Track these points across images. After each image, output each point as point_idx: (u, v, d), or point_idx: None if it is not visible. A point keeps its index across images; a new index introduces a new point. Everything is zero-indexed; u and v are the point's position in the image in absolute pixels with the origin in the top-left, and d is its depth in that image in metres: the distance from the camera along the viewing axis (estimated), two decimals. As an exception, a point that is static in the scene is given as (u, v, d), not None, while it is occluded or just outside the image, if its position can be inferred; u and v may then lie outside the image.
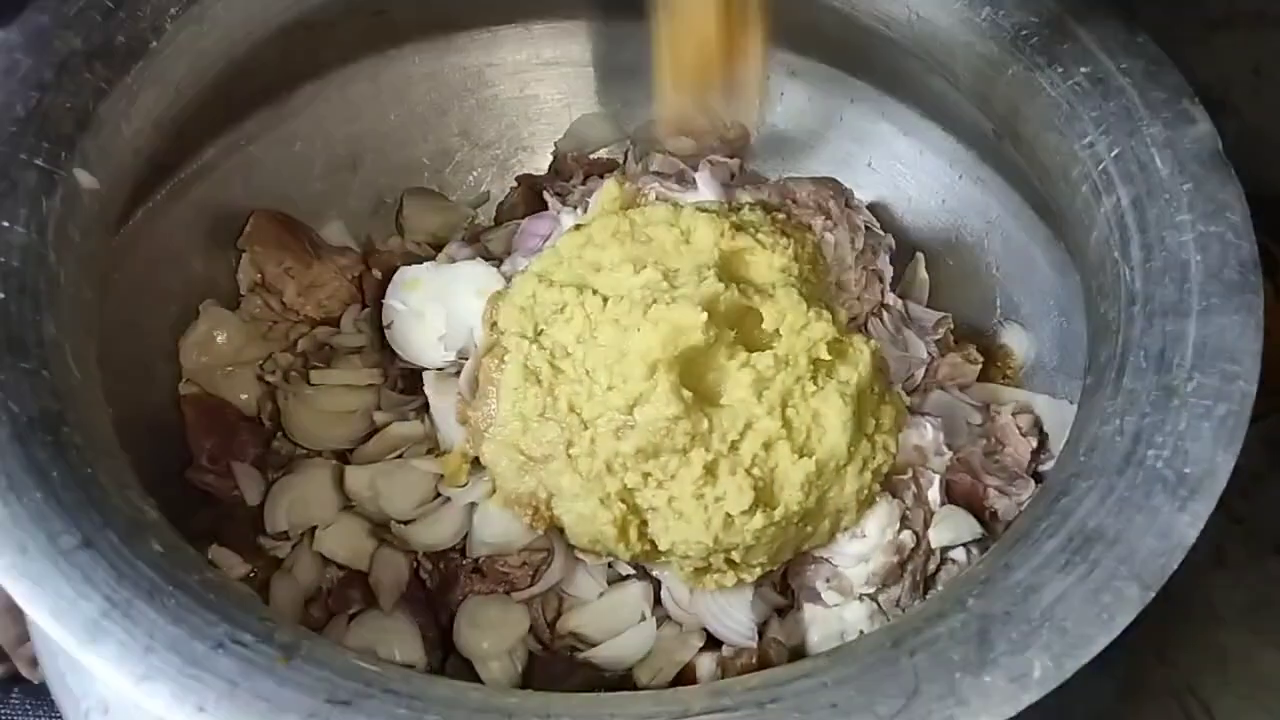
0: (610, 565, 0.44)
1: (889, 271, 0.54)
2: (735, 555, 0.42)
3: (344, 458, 0.47)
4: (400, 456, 0.46)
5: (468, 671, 0.42)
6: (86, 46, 0.39)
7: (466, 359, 0.46)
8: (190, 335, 0.50)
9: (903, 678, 0.28)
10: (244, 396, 0.50)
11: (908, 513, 0.45)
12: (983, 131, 0.50)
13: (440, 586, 0.44)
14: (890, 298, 0.54)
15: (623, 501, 0.41)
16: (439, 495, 0.45)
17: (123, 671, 0.26)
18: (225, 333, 0.50)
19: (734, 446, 0.41)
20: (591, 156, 0.59)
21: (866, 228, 0.54)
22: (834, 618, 0.43)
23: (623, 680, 0.43)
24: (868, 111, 0.57)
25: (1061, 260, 0.51)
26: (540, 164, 0.59)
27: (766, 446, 0.41)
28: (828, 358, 0.42)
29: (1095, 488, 0.32)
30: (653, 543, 0.42)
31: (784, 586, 0.45)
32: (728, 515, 0.41)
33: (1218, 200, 0.38)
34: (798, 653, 0.43)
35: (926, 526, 0.45)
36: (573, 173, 0.57)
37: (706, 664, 0.43)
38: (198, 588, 0.28)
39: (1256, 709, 0.54)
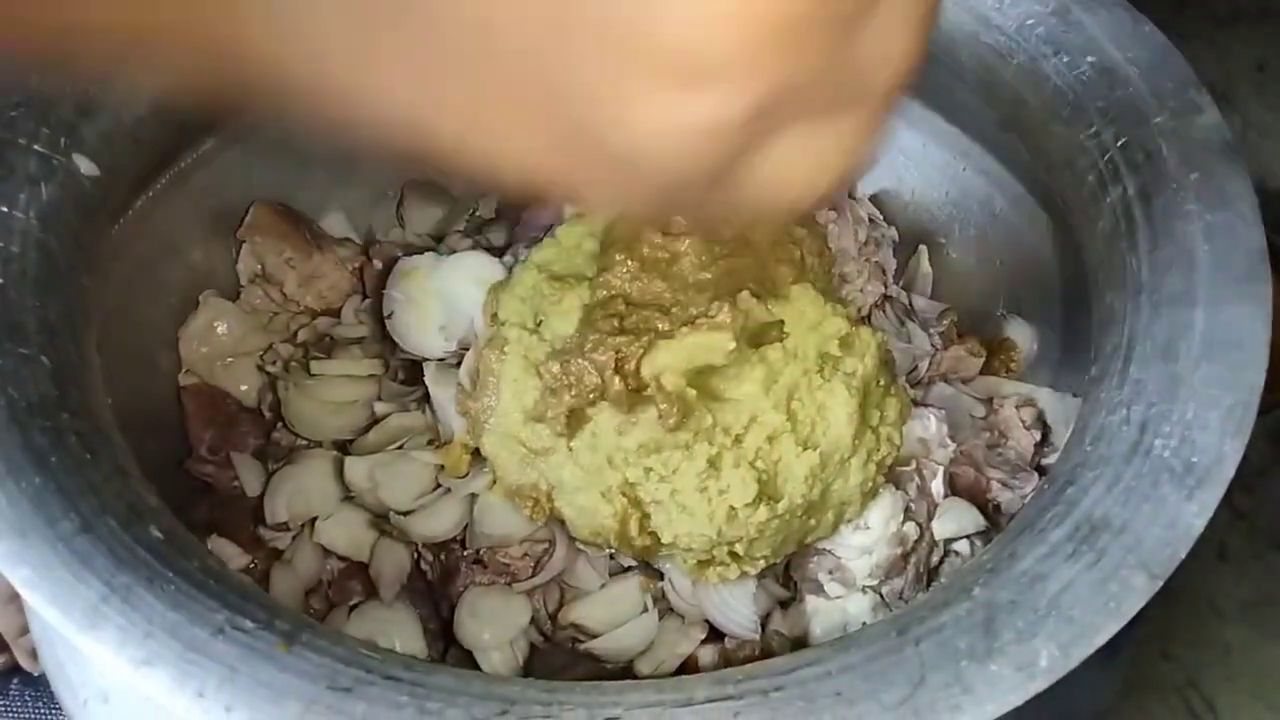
0: (612, 557, 0.44)
1: (892, 264, 0.54)
2: (739, 548, 0.42)
3: (345, 448, 0.47)
4: (401, 447, 0.46)
5: (469, 662, 0.42)
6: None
7: (467, 349, 0.46)
8: (190, 326, 0.49)
9: (908, 666, 0.28)
10: (244, 387, 0.50)
11: (911, 505, 0.44)
12: (987, 122, 0.50)
13: (441, 578, 0.44)
14: (893, 290, 0.53)
15: (624, 495, 0.41)
16: (439, 486, 0.45)
17: (122, 656, 0.26)
18: (225, 323, 0.50)
19: (738, 440, 0.41)
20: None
21: (869, 220, 0.54)
22: (837, 609, 0.43)
23: (624, 672, 0.42)
24: (870, 103, 0.56)
25: (1066, 253, 0.50)
26: (542, 156, 0.59)
27: (770, 439, 0.41)
28: (838, 353, 0.42)
29: (1102, 477, 0.32)
30: (654, 537, 0.41)
31: (787, 578, 0.45)
32: (731, 508, 0.41)
33: (1226, 190, 0.38)
34: (800, 644, 0.43)
35: (930, 518, 0.45)
36: (574, 164, 0.57)
37: (708, 656, 0.42)
38: (198, 574, 0.28)
39: (1259, 704, 0.54)
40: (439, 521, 0.43)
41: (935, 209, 0.56)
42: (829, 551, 0.44)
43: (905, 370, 0.50)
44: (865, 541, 0.43)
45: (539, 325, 0.43)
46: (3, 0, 0.20)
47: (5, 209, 0.34)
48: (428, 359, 0.48)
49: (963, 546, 0.45)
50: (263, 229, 0.51)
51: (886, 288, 0.53)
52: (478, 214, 0.58)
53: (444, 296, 0.47)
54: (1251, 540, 0.58)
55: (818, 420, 0.42)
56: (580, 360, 0.40)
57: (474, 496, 0.44)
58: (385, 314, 0.48)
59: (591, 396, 0.40)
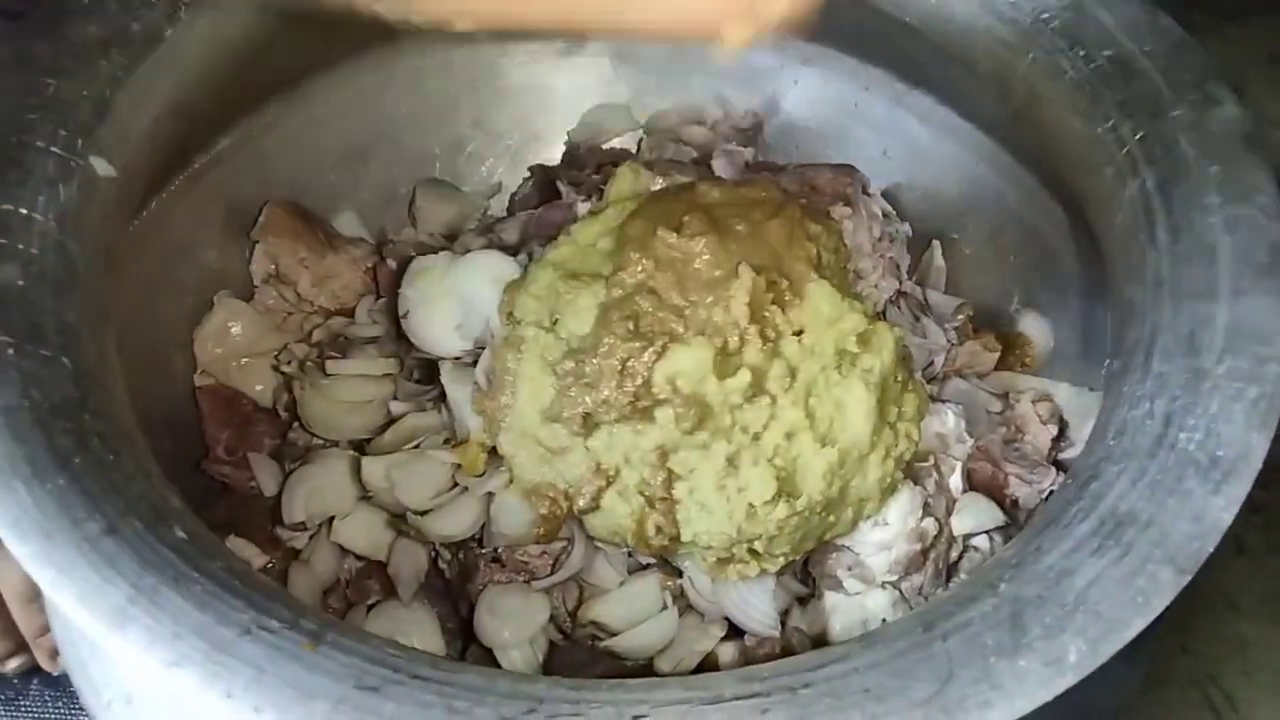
0: (630, 554, 0.44)
1: (906, 259, 0.54)
2: (758, 545, 0.42)
3: (361, 448, 0.47)
4: (417, 446, 0.46)
5: (488, 661, 0.42)
6: (103, 34, 0.38)
7: (483, 348, 0.46)
8: (205, 327, 0.49)
9: (936, 662, 0.28)
10: (259, 387, 0.50)
11: (930, 500, 0.44)
12: (1000, 117, 0.50)
13: (459, 576, 0.44)
14: (908, 285, 0.53)
15: (641, 494, 0.41)
16: (456, 485, 0.45)
17: (152, 657, 0.26)
18: (240, 324, 0.50)
19: (756, 437, 0.41)
20: (605, 146, 0.59)
21: (883, 215, 0.54)
22: (856, 606, 0.43)
23: (644, 669, 0.42)
24: (883, 98, 0.56)
25: (1081, 246, 0.50)
26: (553, 154, 0.59)
27: (789, 436, 0.41)
28: (855, 350, 0.42)
29: (1126, 471, 0.32)
30: (672, 536, 0.41)
31: (806, 575, 0.45)
32: (750, 505, 0.40)
33: (1246, 182, 0.38)
34: (820, 641, 0.43)
35: (949, 514, 0.45)
36: (586, 163, 0.57)
37: (728, 653, 0.42)
38: (222, 574, 0.28)
39: (1279, 697, 0.54)
40: (456, 521, 0.43)
41: (948, 204, 0.56)
42: (848, 548, 0.44)
43: (921, 365, 0.50)
44: (884, 537, 0.43)
45: (555, 324, 0.43)
46: None
47: (25, 211, 0.34)
48: (444, 358, 0.47)
49: (981, 542, 0.45)
50: (276, 229, 0.51)
51: (901, 283, 0.53)
52: (490, 212, 0.59)
53: (459, 295, 0.47)
54: (1268, 535, 0.58)
55: (836, 417, 0.41)
56: (594, 360, 0.40)
57: (491, 495, 0.44)
58: (400, 313, 0.48)
59: (601, 410, 0.40)
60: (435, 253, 0.50)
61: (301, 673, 0.26)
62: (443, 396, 0.47)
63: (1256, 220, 0.37)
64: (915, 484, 0.44)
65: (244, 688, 0.26)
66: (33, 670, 0.50)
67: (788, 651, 0.42)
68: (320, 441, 0.48)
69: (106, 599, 0.26)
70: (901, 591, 0.43)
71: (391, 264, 0.52)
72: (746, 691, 0.27)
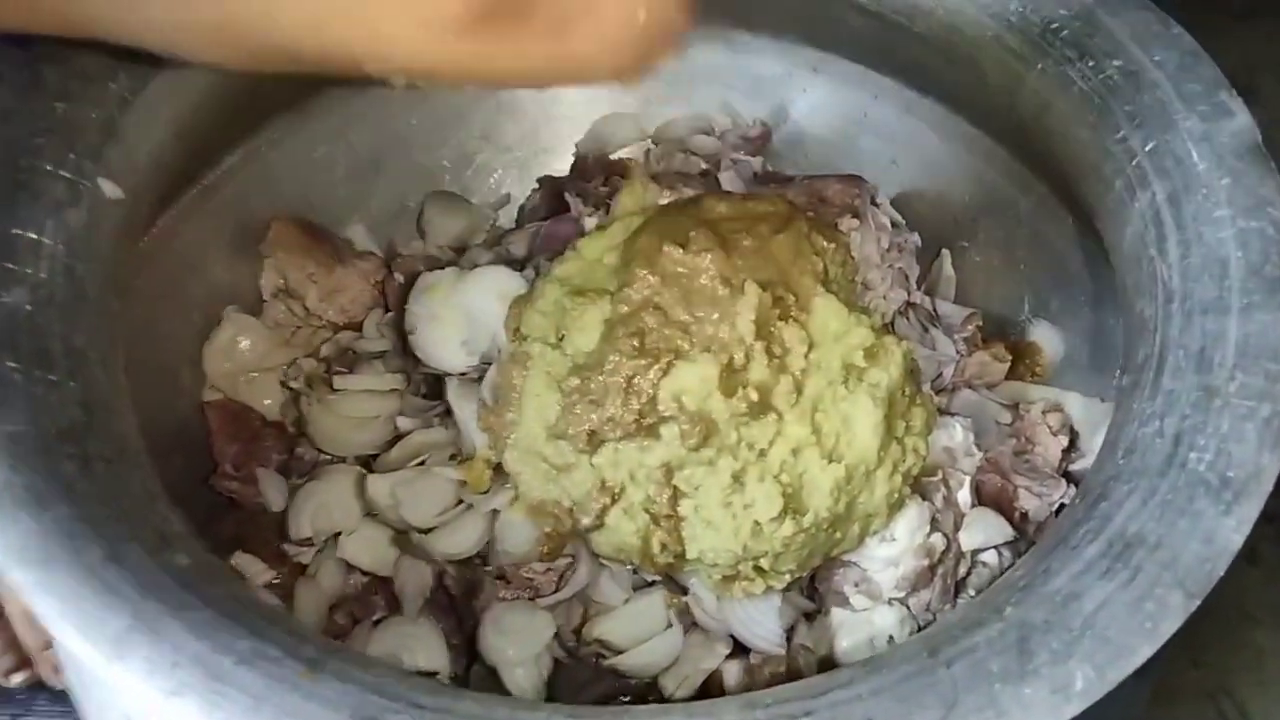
0: (635, 572, 0.44)
1: (915, 270, 0.54)
2: (764, 562, 0.41)
3: (368, 464, 0.47)
4: (423, 463, 0.46)
5: (492, 679, 0.42)
6: (110, 58, 0.38)
7: (489, 364, 0.46)
8: (214, 342, 0.50)
9: (941, 688, 0.27)
10: (267, 402, 0.50)
11: (937, 515, 0.44)
12: (1010, 126, 0.49)
13: (465, 593, 0.44)
14: (917, 296, 0.53)
15: (647, 512, 0.41)
16: (461, 502, 0.45)
17: (151, 686, 0.26)
18: (249, 339, 0.50)
19: (762, 454, 0.40)
20: (613, 157, 0.59)
21: (891, 225, 0.53)
22: (863, 622, 0.43)
23: (649, 688, 0.42)
24: (892, 107, 0.56)
25: (1092, 256, 0.50)
26: (561, 165, 0.59)
27: (795, 452, 0.41)
28: (862, 364, 0.42)
29: (1135, 491, 0.32)
30: (677, 553, 0.41)
31: (812, 591, 0.44)
32: (756, 523, 0.40)
33: (1258, 195, 0.37)
34: (826, 659, 0.43)
35: (957, 529, 0.44)
36: (594, 174, 0.57)
37: (733, 671, 0.42)
38: (224, 601, 0.28)
39: (1295, 710, 0.53)
40: (460, 539, 0.43)
41: (958, 212, 0.56)
42: (855, 564, 0.43)
43: (930, 377, 0.50)
44: (891, 553, 0.43)
45: (561, 340, 0.43)
46: None
47: (34, 235, 0.34)
48: (450, 374, 0.47)
49: (990, 558, 0.44)
50: (284, 244, 0.52)
51: (909, 294, 0.53)
52: (498, 224, 0.59)
53: (466, 311, 0.47)
54: (1280, 545, 0.57)
55: (843, 432, 0.41)
56: (600, 377, 0.40)
57: (496, 513, 0.44)
58: (408, 330, 0.48)
59: (606, 428, 0.40)
60: (443, 266, 0.50)
61: (299, 702, 0.26)
62: (449, 413, 0.47)
63: (1268, 233, 0.36)
64: (923, 499, 0.44)
65: (242, 716, 0.26)
66: (37, 685, 0.50)
67: (793, 669, 0.41)
68: (327, 457, 0.48)
69: (107, 627, 0.26)
70: (909, 608, 0.43)
71: (399, 278, 0.52)
72: (749, 718, 0.27)
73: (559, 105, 0.59)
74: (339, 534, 0.45)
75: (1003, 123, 0.50)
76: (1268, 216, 0.37)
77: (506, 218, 0.59)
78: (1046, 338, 0.53)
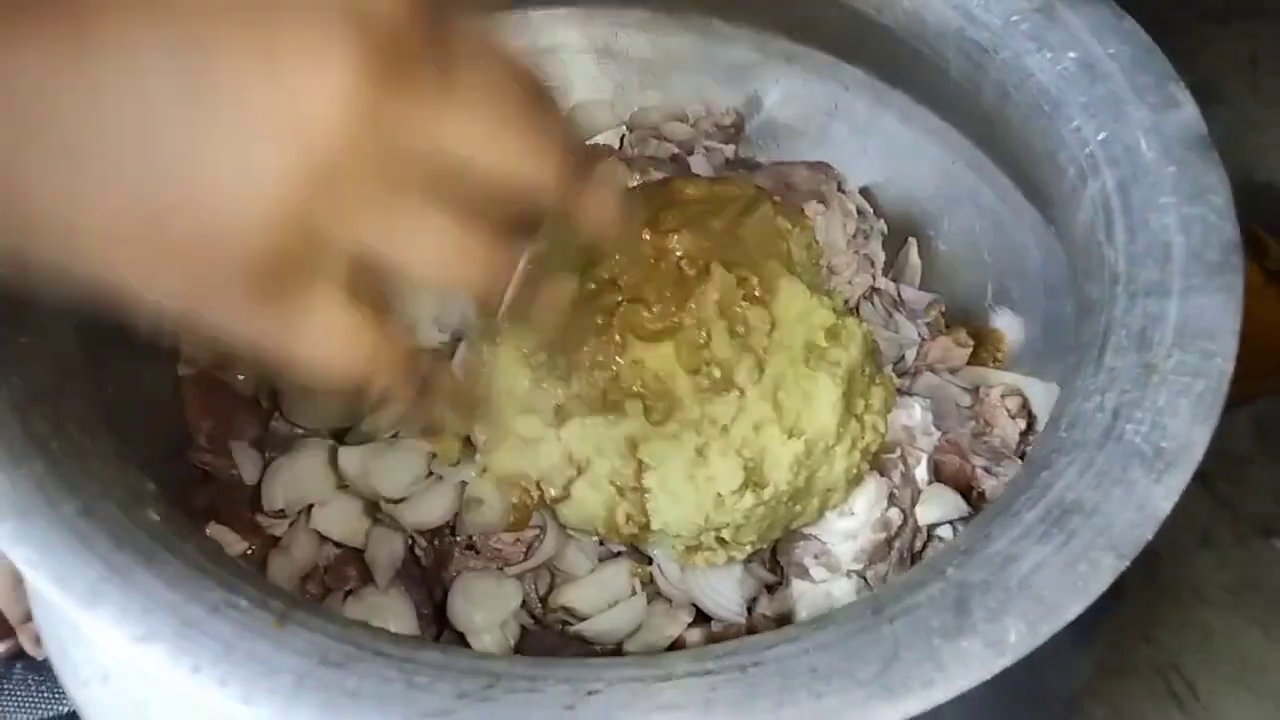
0: (601, 542, 0.45)
1: (881, 256, 0.55)
2: (726, 534, 0.43)
3: (341, 437, 0.48)
4: (395, 436, 0.47)
5: (461, 645, 0.43)
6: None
7: (460, 340, 0.47)
8: (189, 317, 0.50)
9: (882, 644, 0.29)
10: (242, 377, 0.50)
11: (895, 491, 0.45)
12: (974, 118, 0.50)
13: (435, 563, 0.45)
14: (882, 282, 0.54)
15: (612, 484, 0.42)
16: (431, 474, 0.45)
17: (121, 632, 0.27)
18: (223, 314, 0.51)
19: (725, 429, 0.42)
20: (588, 143, 0.60)
21: (859, 212, 0.55)
22: (822, 593, 0.44)
23: (613, 654, 0.43)
24: (863, 97, 0.57)
25: (1051, 245, 0.51)
26: (536, 150, 0.60)
27: (757, 428, 0.42)
28: (824, 344, 0.43)
29: (1075, 462, 0.33)
30: (642, 524, 0.42)
31: (773, 563, 0.46)
32: (718, 495, 0.41)
33: (1201, 183, 0.39)
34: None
35: (914, 504, 0.46)
36: (568, 159, 0.58)
37: (695, 638, 0.43)
38: (195, 555, 0.29)
39: (1239, 687, 0.55)
40: (429, 509, 0.44)
41: (925, 202, 0.57)
42: (814, 537, 0.45)
43: (892, 360, 0.51)
44: (850, 527, 0.44)
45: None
46: None
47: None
48: (421, 349, 0.48)
49: (945, 532, 0.46)
50: (261, 222, 0.52)
51: (875, 279, 0.54)
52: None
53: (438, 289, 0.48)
54: (1234, 528, 0.59)
55: (803, 409, 0.42)
56: (565, 355, 0.41)
57: (464, 484, 0.45)
58: (380, 305, 0.49)
59: (573, 403, 0.41)
60: (418, 246, 0.51)
61: (268, 649, 0.27)
62: (421, 387, 0.47)
63: (1209, 220, 0.37)
64: (881, 475, 0.45)
65: (211, 662, 0.26)
66: (17, 655, 0.50)
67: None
68: (301, 431, 0.49)
69: (80, 577, 0.27)
70: (866, 579, 0.44)
71: (374, 257, 0.53)
72: (698, 669, 0.28)
73: (536, 91, 0.60)
74: (312, 506, 0.46)
75: (967, 114, 0.52)
76: (1209, 204, 0.38)
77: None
78: (1008, 325, 0.54)
